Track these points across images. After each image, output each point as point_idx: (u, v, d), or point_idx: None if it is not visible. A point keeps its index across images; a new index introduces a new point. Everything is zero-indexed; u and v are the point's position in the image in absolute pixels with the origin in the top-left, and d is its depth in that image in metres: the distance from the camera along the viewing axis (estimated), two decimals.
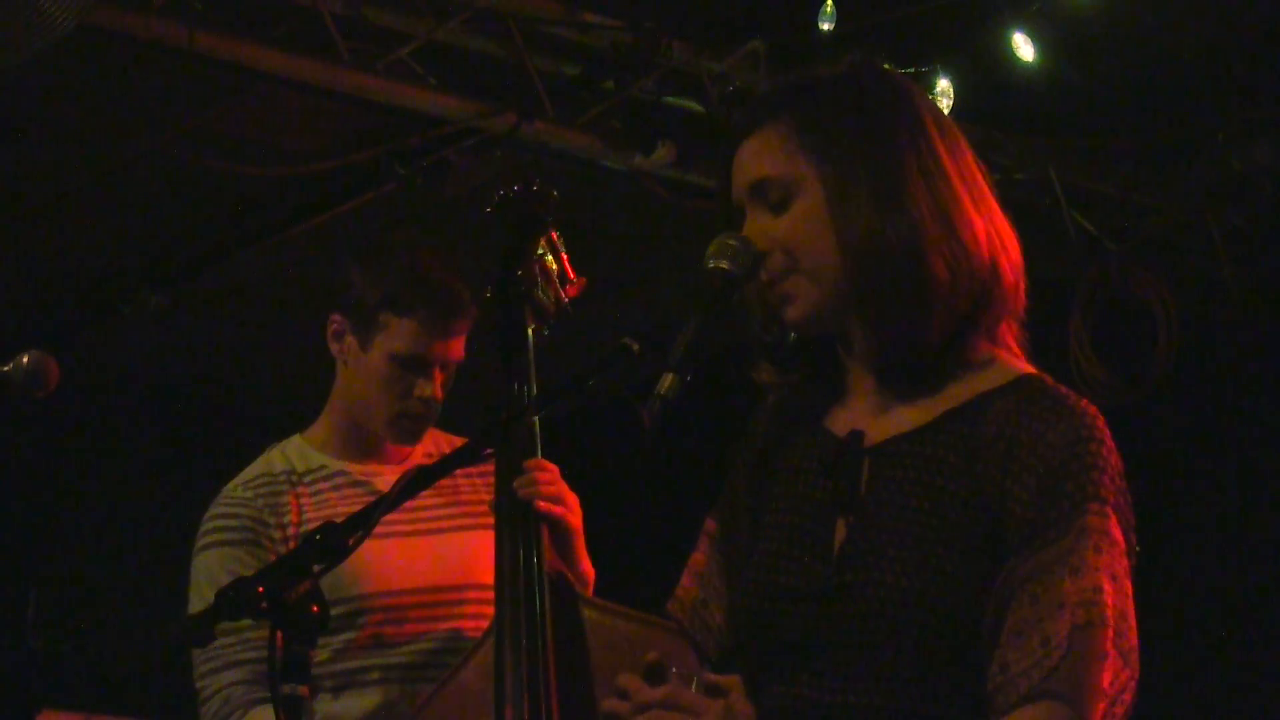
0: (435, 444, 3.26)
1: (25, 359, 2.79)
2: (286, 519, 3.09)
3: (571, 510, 2.85)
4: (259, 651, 2.97)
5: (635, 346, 2.91)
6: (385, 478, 3.14)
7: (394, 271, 3.11)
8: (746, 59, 5.23)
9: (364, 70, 5.03)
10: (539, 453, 2.83)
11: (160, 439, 7.80)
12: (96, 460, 7.65)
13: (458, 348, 3.13)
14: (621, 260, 5.75)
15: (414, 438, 3.18)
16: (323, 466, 3.17)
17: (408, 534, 3.10)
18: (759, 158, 2.06)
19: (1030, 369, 2.07)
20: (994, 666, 1.93)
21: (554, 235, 3.02)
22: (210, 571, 3.08)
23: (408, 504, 3.09)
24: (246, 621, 2.99)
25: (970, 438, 2.00)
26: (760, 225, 2.05)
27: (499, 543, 2.76)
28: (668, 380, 2.02)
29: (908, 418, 2.06)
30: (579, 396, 3.13)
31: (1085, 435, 1.97)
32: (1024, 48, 5.01)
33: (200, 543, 3.13)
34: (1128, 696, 1.96)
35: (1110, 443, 1.99)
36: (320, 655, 3.03)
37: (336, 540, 2.06)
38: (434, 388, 3.11)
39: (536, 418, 2.75)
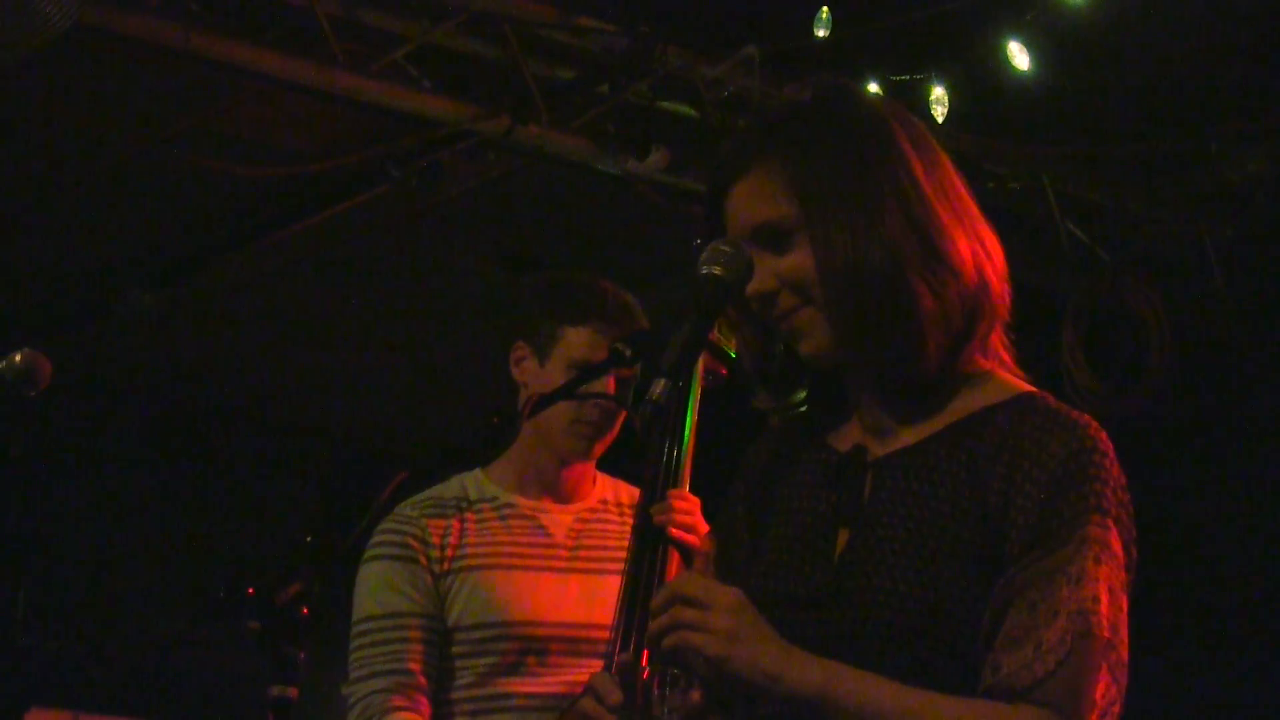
0: (614, 491, 3.37)
1: (18, 357, 2.79)
2: (447, 540, 3.19)
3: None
4: (401, 662, 3.11)
5: (628, 351, 2.93)
6: (553, 515, 3.25)
7: (571, 290, 3.26)
8: (741, 64, 5.23)
9: (358, 72, 5.03)
10: (684, 483, 2.89)
11: (151, 438, 7.80)
12: (88, 459, 7.64)
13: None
14: (614, 265, 5.76)
15: (589, 444, 3.25)
16: (495, 498, 3.27)
17: (564, 570, 3.22)
18: (753, 203, 2.07)
19: (1030, 387, 2.09)
20: (987, 669, 1.94)
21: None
22: (369, 582, 3.20)
23: (568, 542, 3.22)
24: (393, 634, 3.08)
25: (973, 451, 2.02)
26: (767, 265, 2.07)
27: (627, 563, 2.82)
28: (660, 385, 2.02)
29: (910, 432, 2.07)
30: (570, 400, 3.16)
31: (1089, 447, 1.99)
32: (1019, 57, 5.01)
33: (365, 555, 3.23)
34: (1116, 709, 1.96)
35: (1113, 456, 2.00)
36: (462, 679, 3.16)
37: (326, 546, 2.06)
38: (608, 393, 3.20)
39: (688, 451, 2.86)
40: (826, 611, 2.00)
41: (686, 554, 2.88)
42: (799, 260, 2.04)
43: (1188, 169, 5.71)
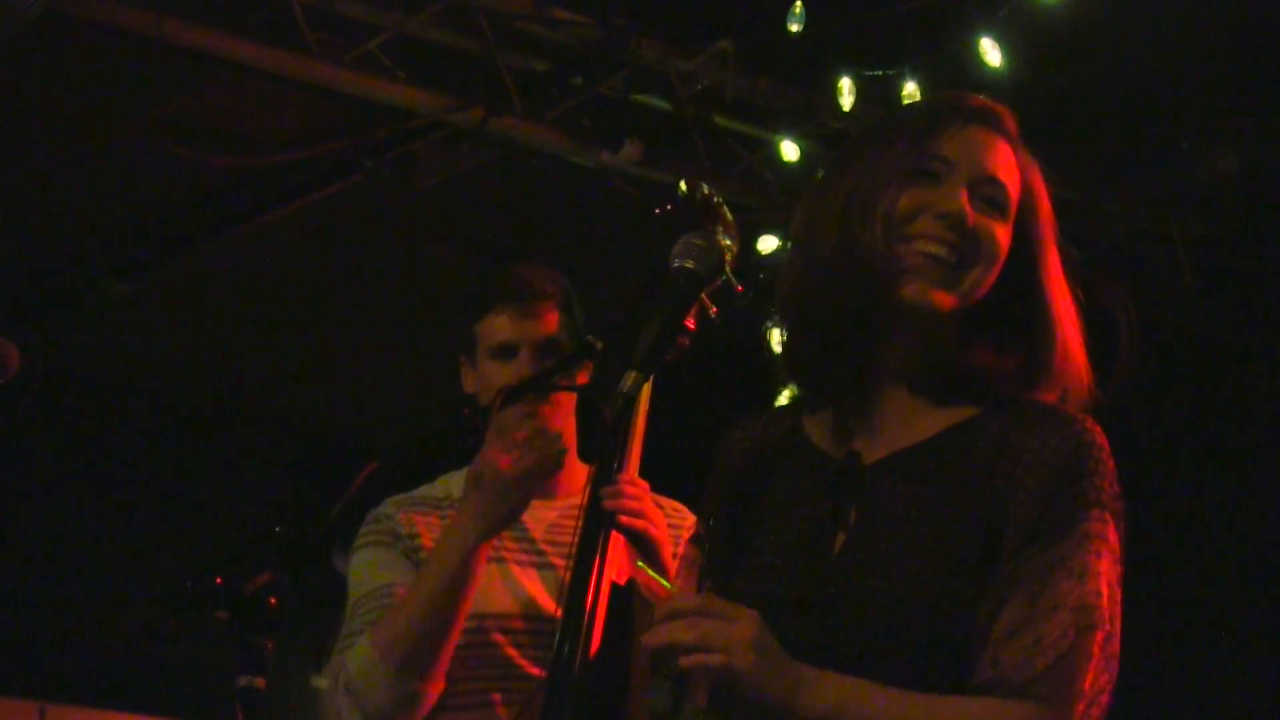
0: None
1: None
2: (419, 533, 3.20)
3: (655, 524, 2.91)
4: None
5: (599, 344, 2.93)
6: (535, 511, 3.21)
7: (470, 292, 3.30)
8: (715, 58, 5.24)
9: (332, 62, 5.03)
10: (632, 467, 2.90)
11: (119, 427, 7.77)
12: (55, 448, 7.61)
13: (546, 327, 3.23)
14: (586, 257, 5.76)
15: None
16: None
17: (530, 564, 3.20)
18: (1002, 161, 2.17)
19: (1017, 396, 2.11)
20: (984, 661, 1.94)
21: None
22: (358, 569, 3.23)
23: (549, 536, 3.21)
24: (378, 602, 3.09)
25: (970, 452, 2.03)
26: (976, 210, 2.11)
27: (573, 546, 2.83)
28: (631, 378, 2.02)
29: (905, 435, 2.07)
30: (542, 392, 3.17)
31: (1086, 442, 2.01)
32: (991, 53, 5.02)
33: (355, 544, 3.27)
34: (1104, 699, 1.98)
35: (1109, 450, 2.03)
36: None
37: (295, 537, 2.07)
38: (528, 369, 3.19)
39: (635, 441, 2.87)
40: (821, 615, 2.00)
41: (637, 540, 2.87)
42: (1005, 236, 2.13)
43: (1158, 167, 5.73)
